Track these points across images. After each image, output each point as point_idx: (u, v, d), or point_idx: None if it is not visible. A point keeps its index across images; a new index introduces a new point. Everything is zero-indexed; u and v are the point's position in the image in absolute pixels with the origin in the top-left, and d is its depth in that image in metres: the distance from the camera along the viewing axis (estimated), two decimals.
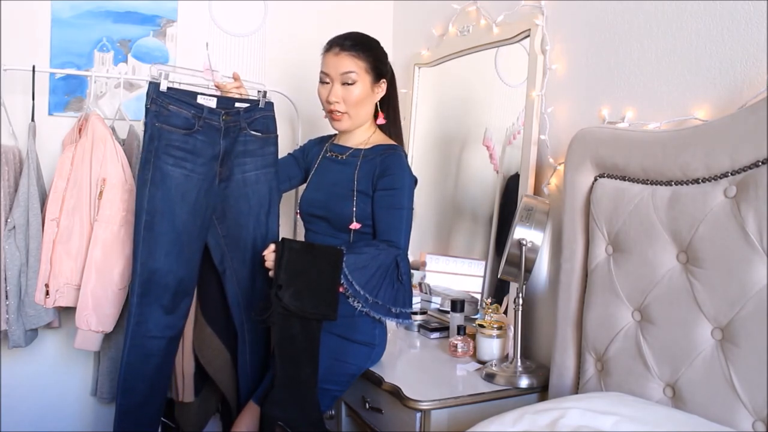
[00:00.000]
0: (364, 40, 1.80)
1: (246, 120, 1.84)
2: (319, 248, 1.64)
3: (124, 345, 1.76)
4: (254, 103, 1.86)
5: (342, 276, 1.60)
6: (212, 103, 1.80)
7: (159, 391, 1.83)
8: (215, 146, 1.80)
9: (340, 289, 1.62)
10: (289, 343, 1.59)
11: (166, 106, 1.73)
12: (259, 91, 1.88)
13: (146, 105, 1.74)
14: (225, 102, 1.82)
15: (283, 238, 1.62)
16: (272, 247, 1.62)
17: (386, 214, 1.73)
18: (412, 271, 2.38)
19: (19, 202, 1.89)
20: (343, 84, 1.76)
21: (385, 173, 1.74)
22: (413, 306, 1.85)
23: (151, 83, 1.74)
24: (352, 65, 1.75)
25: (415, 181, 1.82)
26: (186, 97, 1.77)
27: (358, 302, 1.64)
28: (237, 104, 1.84)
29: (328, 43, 1.80)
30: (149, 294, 1.74)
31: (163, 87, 1.74)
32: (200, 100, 1.78)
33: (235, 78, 1.90)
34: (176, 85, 1.79)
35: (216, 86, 1.90)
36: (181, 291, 1.80)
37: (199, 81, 1.88)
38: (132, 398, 1.77)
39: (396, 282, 1.68)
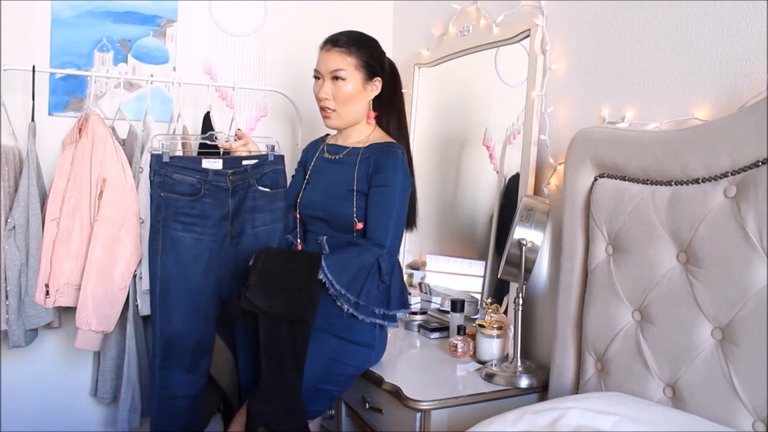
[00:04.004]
0: (358, 38, 1.79)
1: (254, 176, 1.83)
2: (298, 253, 1.62)
3: (152, 407, 1.81)
4: (263, 158, 1.85)
5: (323, 276, 1.56)
6: (218, 164, 1.79)
7: None
8: (224, 207, 1.79)
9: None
10: (275, 349, 1.56)
11: (170, 176, 1.73)
12: (267, 145, 1.86)
13: (150, 177, 1.74)
14: (231, 162, 1.82)
15: (264, 248, 1.60)
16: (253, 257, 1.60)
17: (375, 212, 1.70)
18: (411, 271, 2.39)
19: (19, 202, 1.89)
20: (333, 80, 1.76)
21: (378, 170, 1.72)
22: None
23: (153, 155, 1.73)
24: (342, 62, 1.75)
25: (412, 184, 1.79)
26: (189, 164, 1.76)
27: (342, 303, 1.61)
28: (244, 162, 1.82)
29: (323, 41, 1.81)
30: (170, 357, 1.78)
31: (165, 158, 1.73)
32: (205, 164, 1.77)
33: (240, 136, 1.90)
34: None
35: (220, 148, 1.89)
36: (201, 350, 1.82)
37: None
38: None
39: (380, 283, 1.65)
